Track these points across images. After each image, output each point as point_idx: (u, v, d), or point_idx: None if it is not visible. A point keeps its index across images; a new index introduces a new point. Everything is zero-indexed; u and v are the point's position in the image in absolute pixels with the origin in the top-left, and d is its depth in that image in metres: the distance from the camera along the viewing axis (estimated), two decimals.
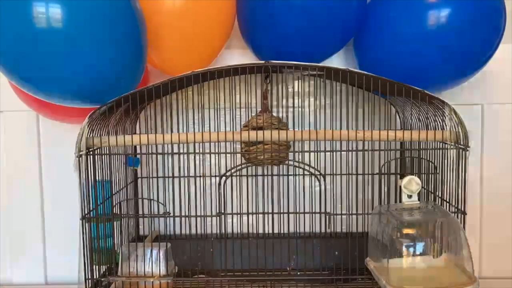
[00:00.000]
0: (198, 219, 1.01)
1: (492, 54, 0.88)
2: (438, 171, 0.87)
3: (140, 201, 1.05)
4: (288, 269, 1.01)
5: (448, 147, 0.84)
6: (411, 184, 0.78)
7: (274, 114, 0.98)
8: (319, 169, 0.89)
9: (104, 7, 0.71)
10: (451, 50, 0.84)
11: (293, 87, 1.06)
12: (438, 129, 0.84)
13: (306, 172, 0.89)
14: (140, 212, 1.07)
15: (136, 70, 0.82)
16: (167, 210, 0.86)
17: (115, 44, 0.74)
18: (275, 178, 0.91)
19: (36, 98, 0.88)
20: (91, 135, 0.80)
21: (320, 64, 0.81)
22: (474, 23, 0.84)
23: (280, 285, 0.91)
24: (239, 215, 1.00)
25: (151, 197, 1.02)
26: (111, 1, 0.73)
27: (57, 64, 0.70)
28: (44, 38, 0.67)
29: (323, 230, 0.89)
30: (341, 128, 0.86)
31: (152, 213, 0.99)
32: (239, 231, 1.02)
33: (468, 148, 0.79)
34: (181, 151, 0.85)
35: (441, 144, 0.86)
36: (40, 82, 0.73)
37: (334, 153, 0.92)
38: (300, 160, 0.91)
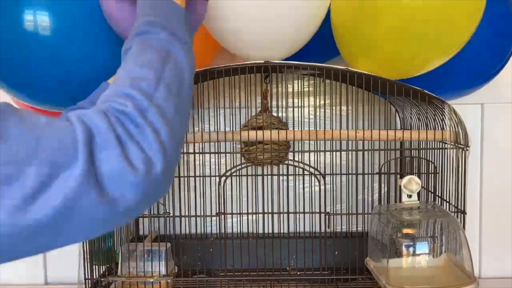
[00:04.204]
0: (198, 219, 1.01)
1: (506, 63, 0.87)
2: (438, 171, 0.87)
3: None
4: (288, 269, 1.01)
5: (448, 147, 0.84)
6: (411, 183, 0.78)
7: (274, 114, 0.98)
8: (319, 169, 0.89)
9: (93, 11, 0.71)
10: (463, 60, 0.81)
11: (293, 87, 1.06)
12: (438, 128, 0.84)
13: (306, 172, 0.89)
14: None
15: None
16: (167, 210, 0.86)
17: (105, 48, 0.73)
18: (275, 178, 0.91)
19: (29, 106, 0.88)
20: None
21: (320, 64, 0.81)
22: (483, 33, 0.83)
23: (280, 285, 0.91)
24: (239, 215, 1.00)
25: None
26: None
27: (45, 71, 0.69)
28: (32, 45, 0.66)
29: (323, 230, 0.89)
30: (341, 128, 0.86)
31: (152, 213, 0.99)
32: (239, 231, 1.02)
33: (468, 148, 0.79)
34: (181, 151, 0.85)
35: (441, 144, 0.86)
36: (29, 90, 0.72)
37: (334, 153, 0.92)
38: (300, 160, 0.91)
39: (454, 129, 0.81)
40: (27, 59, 0.68)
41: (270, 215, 0.89)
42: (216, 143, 0.85)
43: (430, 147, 0.90)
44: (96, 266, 0.85)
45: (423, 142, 0.92)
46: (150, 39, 0.49)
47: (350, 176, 0.95)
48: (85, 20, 0.70)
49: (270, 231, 0.89)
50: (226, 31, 0.74)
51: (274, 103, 0.99)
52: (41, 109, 0.79)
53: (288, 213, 0.90)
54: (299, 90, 1.06)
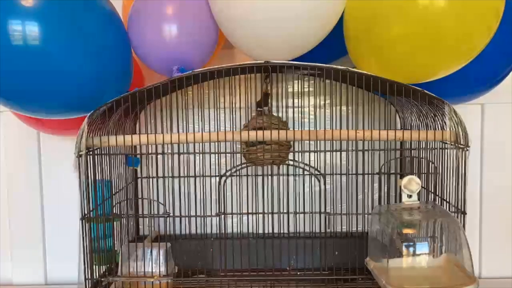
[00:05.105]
0: (198, 219, 1.01)
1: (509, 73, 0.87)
2: (438, 171, 0.87)
3: (140, 201, 1.05)
4: (288, 269, 1.01)
5: (448, 147, 0.83)
6: (411, 184, 0.78)
7: (274, 114, 0.98)
8: (319, 169, 0.89)
9: (83, 21, 0.71)
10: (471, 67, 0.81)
11: (293, 87, 1.06)
12: (438, 129, 0.84)
13: (306, 172, 0.89)
14: (140, 212, 1.07)
15: (123, 79, 0.82)
16: (167, 210, 0.86)
17: (96, 56, 0.73)
18: (275, 178, 0.91)
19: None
20: (91, 135, 0.80)
21: (320, 64, 0.81)
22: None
23: (280, 285, 0.91)
24: (239, 215, 1.00)
25: (151, 197, 1.02)
26: (90, 14, 0.72)
27: (37, 81, 0.69)
28: (22, 56, 0.66)
29: (323, 230, 0.89)
30: (341, 128, 0.86)
31: (152, 213, 0.99)
32: (239, 231, 1.02)
33: (468, 148, 0.79)
34: (181, 151, 0.85)
35: (441, 144, 0.86)
36: (20, 99, 0.72)
37: (334, 153, 0.92)
38: (300, 160, 0.91)
39: (454, 129, 0.80)
40: (18, 71, 0.67)
41: (270, 215, 0.89)
42: (216, 143, 0.85)
43: (430, 147, 0.90)
44: (96, 266, 0.85)
45: (423, 142, 0.92)
46: None
47: (350, 176, 0.95)
48: (79, 27, 0.70)
49: (270, 231, 0.89)
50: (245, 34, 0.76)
51: (274, 103, 0.99)
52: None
53: (288, 213, 0.90)
54: (299, 90, 1.06)
